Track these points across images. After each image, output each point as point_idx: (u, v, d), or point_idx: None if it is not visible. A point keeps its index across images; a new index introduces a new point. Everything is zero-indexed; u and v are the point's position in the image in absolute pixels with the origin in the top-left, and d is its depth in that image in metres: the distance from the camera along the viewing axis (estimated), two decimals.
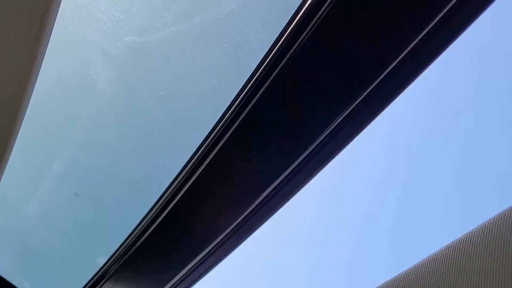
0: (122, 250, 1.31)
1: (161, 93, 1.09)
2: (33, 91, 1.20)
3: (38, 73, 0.80)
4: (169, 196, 1.18)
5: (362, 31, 0.74)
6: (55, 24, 1.04)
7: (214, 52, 0.97)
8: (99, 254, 1.45)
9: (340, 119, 0.87)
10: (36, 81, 0.81)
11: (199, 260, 1.24)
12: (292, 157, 0.96)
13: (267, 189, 1.03)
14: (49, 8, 0.69)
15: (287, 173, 0.98)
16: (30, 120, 1.26)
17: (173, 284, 1.29)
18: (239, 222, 1.16)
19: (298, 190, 1.01)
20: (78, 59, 1.16)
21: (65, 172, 1.37)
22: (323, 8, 0.75)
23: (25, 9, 0.68)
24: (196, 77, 1.01)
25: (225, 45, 0.94)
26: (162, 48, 1.01)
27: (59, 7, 0.71)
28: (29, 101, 0.86)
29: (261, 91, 0.94)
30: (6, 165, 1.03)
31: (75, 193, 1.49)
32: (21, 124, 0.90)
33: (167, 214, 1.16)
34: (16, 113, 0.85)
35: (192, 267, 1.29)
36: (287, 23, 0.85)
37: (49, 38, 0.76)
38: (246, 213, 1.07)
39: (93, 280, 1.53)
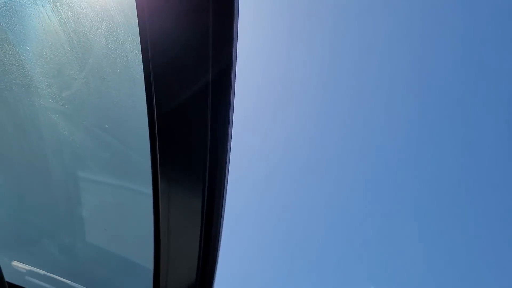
0: None
1: (106, 126, 1.33)
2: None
3: None
4: None
5: None
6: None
7: (115, 79, 1.19)
8: None
9: None
10: None
11: None
12: None
13: None
14: None
15: None
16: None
17: None
18: None
19: None
20: (50, 126, 1.46)
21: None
22: None
23: None
24: (117, 103, 1.24)
25: (118, 71, 1.16)
26: (87, 90, 1.27)
27: None
28: None
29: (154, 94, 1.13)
30: None
31: (104, 229, 1.79)
32: None
33: None
34: None
35: None
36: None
37: None
38: None
39: None
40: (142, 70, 1.12)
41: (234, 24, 0.97)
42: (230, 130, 1.16)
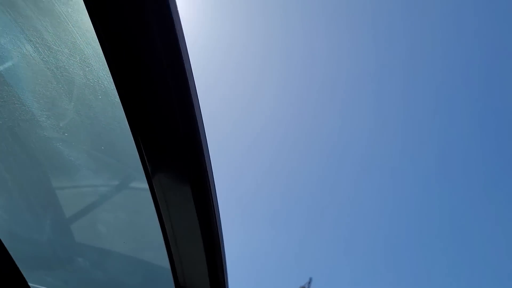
0: None
1: (102, 147, 1.45)
2: None
3: None
4: None
5: None
6: None
7: (99, 105, 1.31)
8: None
9: None
10: None
11: None
12: None
13: None
14: None
15: None
16: None
17: None
18: None
19: None
20: (57, 154, 1.60)
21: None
22: None
23: None
24: (106, 126, 1.36)
25: (100, 97, 1.27)
26: (79, 118, 1.39)
27: None
28: None
29: None
30: None
31: (124, 242, 1.92)
32: None
33: None
34: None
35: None
36: None
37: None
38: None
39: None
40: (117, 93, 1.22)
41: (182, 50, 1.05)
42: (200, 123, 1.24)
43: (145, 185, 1.44)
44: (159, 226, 1.56)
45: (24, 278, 1.87)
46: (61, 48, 1.22)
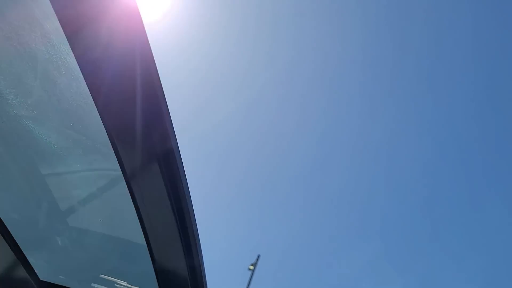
0: None
1: (71, 124, 1.46)
2: None
3: None
4: None
5: None
6: None
7: (64, 81, 1.31)
8: None
9: None
10: None
11: None
12: None
13: None
14: None
15: None
16: None
17: None
18: None
19: None
20: (28, 132, 1.60)
21: None
22: None
23: None
24: (72, 102, 1.36)
25: (64, 72, 1.28)
26: (46, 94, 1.39)
27: None
28: None
29: None
30: None
31: (100, 220, 1.94)
32: None
33: None
34: None
35: None
36: None
37: None
38: None
39: None
40: (79, 69, 1.23)
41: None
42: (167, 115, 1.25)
43: (116, 163, 1.45)
44: (132, 202, 1.58)
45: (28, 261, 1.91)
46: (21, 24, 1.22)
